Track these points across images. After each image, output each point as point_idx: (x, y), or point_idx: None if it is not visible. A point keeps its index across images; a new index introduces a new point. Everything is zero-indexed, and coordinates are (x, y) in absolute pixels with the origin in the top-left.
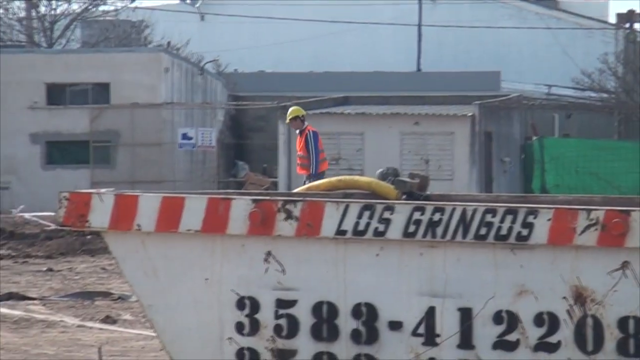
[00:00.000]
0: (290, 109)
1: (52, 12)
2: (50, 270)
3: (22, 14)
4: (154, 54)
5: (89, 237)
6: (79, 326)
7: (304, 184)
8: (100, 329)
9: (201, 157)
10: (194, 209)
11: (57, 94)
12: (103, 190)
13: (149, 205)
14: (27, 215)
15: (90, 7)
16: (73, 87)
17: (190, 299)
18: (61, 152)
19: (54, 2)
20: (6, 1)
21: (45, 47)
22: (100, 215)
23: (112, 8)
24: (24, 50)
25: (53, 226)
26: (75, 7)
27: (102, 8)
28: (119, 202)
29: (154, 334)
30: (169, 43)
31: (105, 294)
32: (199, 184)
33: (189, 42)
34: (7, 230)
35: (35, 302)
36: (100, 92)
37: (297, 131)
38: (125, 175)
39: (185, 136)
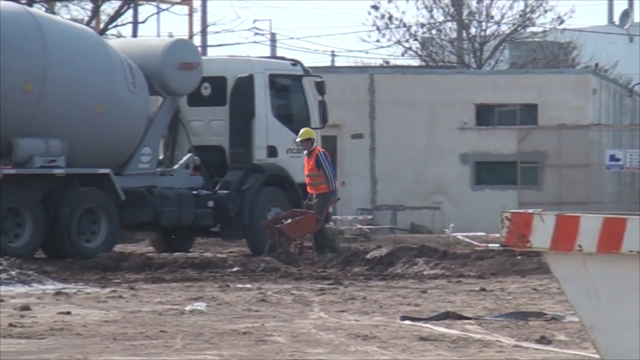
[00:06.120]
0: (302, 130)
1: (482, 33)
2: (483, 290)
3: (454, 35)
4: (582, 76)
5: (519, 257)
6: (514, 346)
7: (310, 200)
8: (536, 349)
9: (629, 178)
10: (636, 230)
11: (485, 115)
12: (534, 210)
13: (590, 226)
14: (459, 235)
15: (519, 28)
16: (501, 107)
17: (632, 319)
18: (489, 172)
19: (484, 23)
20: (439, 23)
21: (474, 68)
22: (541, 236)
23: (540, 30)
24: (454, 71)
25: (484, 246)
26: (504, 28)
27: (530, 30)
28: (560, 223)
29: (590, 355)
30: (596, 64)
31: (539, 315)
32: (627, 205)
33: (617, 63)
34: (439, 250)
35: (470, 321)
36: (528, 113)
37: (305, 152)
38: (552, 196)
39: (612, 158)
